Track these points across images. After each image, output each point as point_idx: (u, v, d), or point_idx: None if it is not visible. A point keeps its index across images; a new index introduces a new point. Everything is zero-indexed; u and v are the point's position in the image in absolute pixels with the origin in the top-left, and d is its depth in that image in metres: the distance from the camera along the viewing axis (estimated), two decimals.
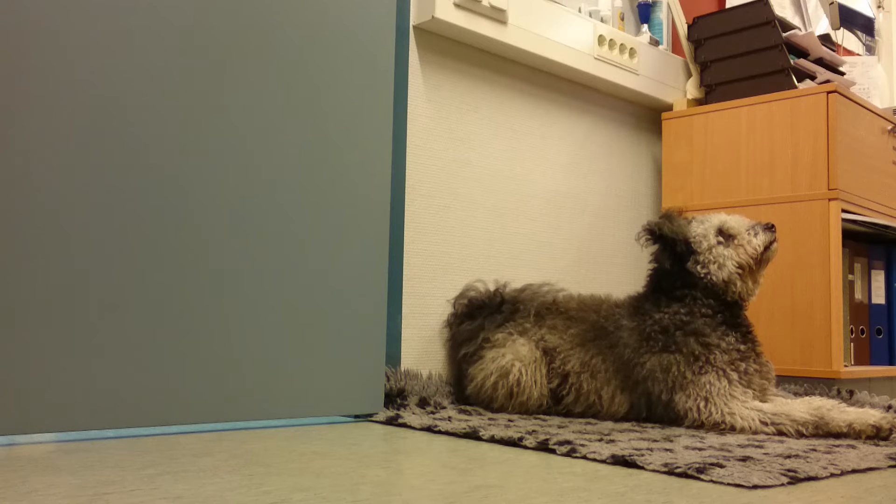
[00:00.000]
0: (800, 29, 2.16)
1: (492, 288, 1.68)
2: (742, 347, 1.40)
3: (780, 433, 1.29)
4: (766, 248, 1.45)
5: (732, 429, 1.31)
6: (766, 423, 1.30)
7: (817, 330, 1.83)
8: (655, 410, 1.41)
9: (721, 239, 1.45)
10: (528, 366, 1.49)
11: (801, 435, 1.28)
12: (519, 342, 1.53)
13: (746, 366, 1.39)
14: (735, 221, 1.47)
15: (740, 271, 1.43)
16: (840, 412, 1.29)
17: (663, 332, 1.41)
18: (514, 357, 1.50)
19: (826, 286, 1.82)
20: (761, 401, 1.39)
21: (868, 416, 1.27)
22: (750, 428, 1.30)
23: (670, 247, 1.47)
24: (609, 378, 1.45)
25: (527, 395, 1.49)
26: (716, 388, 1.34)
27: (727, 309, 1.44)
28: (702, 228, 1.46)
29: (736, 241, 1.44)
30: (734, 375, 1.36)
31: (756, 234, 1.45)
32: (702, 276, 1.44)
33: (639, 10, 2.29)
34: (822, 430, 1.28)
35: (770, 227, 1.46)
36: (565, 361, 1.50)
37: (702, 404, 1.34)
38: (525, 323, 1.56)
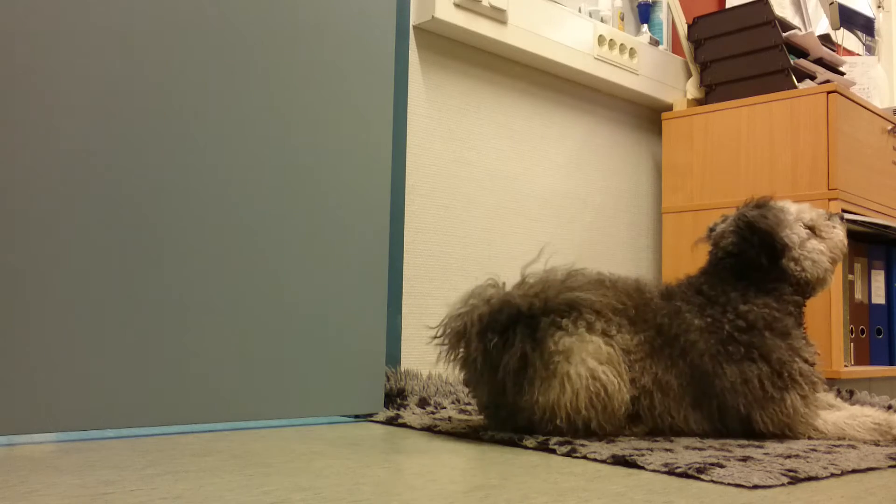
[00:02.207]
0: (800, 29, 2.16)
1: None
2: (812, 349, 1.30)
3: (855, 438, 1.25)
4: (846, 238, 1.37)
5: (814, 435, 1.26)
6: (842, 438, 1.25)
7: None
8: (731, 425, 1.24)
9: (808, 232, 1.34)
10: (616, 366, 1.19)
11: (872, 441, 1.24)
12: (594, 341, 1.18)
13: (816, 372, 1.29)
14: (811, 213, 1.36)
15: (831, 266, 1.34)
16: None
17: (748, 331, 1.25)
18: (598, 362, 1.17)
19: None
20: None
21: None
22: (827, 435, 1.25)
23: (768, 243, 1.32)
24: (682, 394, 1.24)
25: (617, 404, 1.18)
26: (799, 414, 1.24)
27: (801, 307, 1.35)
28: (786, 221, 1.34)
29: (819, 233, 1.34)
30: (816, 390, 1.27)
31: (835, 227, 1.36)
32: (796, 273, 1.32)
33: (639, 10, 2.29)
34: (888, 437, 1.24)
35: (841, 217, 1.38)
36: (638, 375, 1.22)
37: (786, 430, 1.24)
38: (588, 317, 1.21)
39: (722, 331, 1.25)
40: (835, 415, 1.27)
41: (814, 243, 1.33)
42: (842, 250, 1.36)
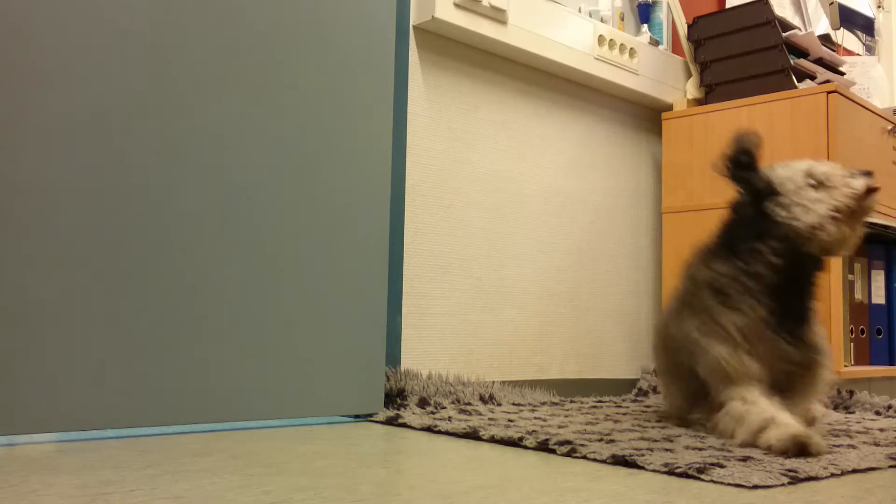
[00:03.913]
0: (800, 29, 2.16)
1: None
2: (773, 321, 1.21)
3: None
4: (868, 192, 1.21)
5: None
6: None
7: None
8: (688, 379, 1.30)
9: (812, 182, 1.23)
10: None
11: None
12: None
13: (766, 346, 1.21)
14: (826, 166, 1.25)
15: (836, 215, 1.20)
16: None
17: (694, 292, 1.28)
18: None
19: (826, 286, 1.82)
20: (790, 397, 1.24)
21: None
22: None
23: (749, 182, 1.25)
24: (671, 375, 1.36)
25: None
26: (728, 364, 1.20)
27: (795, 267, 1.24)
28: (788, 171, 1.26)
29: (829, 184, 1.22)
30: (743, 344, 1.20)
31: (853, 177, 1.22)
32: (782, 220, 1.23)
33: (639, 10, 2.29)
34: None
35: (869, 173, 1.23)
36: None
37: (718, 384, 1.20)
38: None
39: (681, 298, 1.31)
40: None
41: (811, 191, 1.22)
42: (850, 197, 1.21)
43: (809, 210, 1.21)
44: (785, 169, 1.27)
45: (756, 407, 1.17)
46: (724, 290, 1.24)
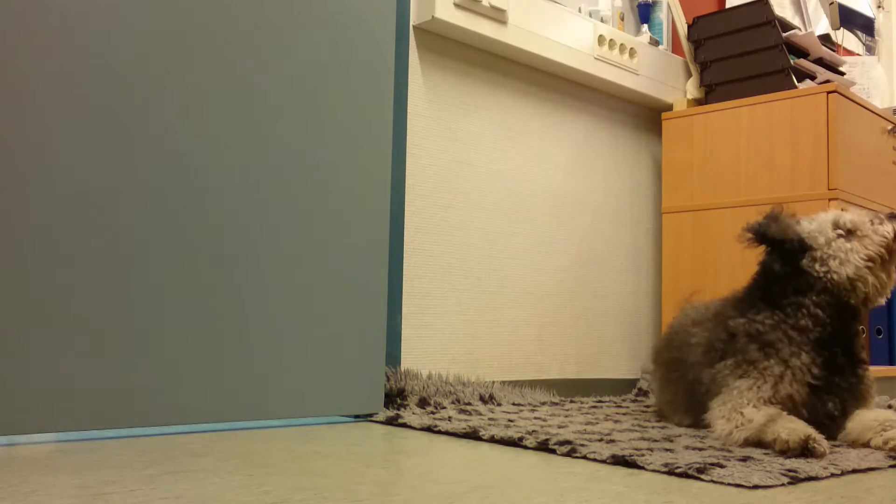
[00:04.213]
0: (800, 29, 2.16)
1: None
2: (816, 371, 1.21)
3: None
4: None
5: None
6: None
7: None
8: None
9: (840, 232, 1.24)
10: None
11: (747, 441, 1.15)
12: None
13: (802, 394, 1.20)
14: (852, 214, 1.27)
15: (870, 265, 1.22)
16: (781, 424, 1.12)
17: (728, 340, 1.26)
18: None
19: None
20: None
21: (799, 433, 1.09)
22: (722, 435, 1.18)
23: (779, 247, 1.27)
24: (682, 408, 1.37)
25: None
26: (745, 396, 1.19)
27: (839, 318, 1.24)
28: (814, 224, 1.27)
29: (859, 233, 1.24)
30: (769, 389, 1.19)
31: (881, 223, 1.25)
32: (820, 275, 1.23)
33: (639, 10, 2.29)
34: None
35: (892, 216, 1.26)
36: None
37: (730, 417, 1.19)
38: None
39: (710, 343, 1.29)
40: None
41: (842, 242, 1.23)
42: (881, 245, 1.23)
43: (845, 261, 1.22)
44: (811, 223, 1.28)
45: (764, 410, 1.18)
46: (762, 338, 1.23)
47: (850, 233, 1.25)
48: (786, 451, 1.07)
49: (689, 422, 1.36)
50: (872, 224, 1.25)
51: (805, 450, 1.06)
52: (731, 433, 1.17)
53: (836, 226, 1.26)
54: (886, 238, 1.23)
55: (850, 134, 1.94)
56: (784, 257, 1.27)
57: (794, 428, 1.09)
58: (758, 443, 1.13)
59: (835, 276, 1.23)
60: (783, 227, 1.27)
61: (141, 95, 1.19)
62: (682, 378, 1.37)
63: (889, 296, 1.27)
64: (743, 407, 1.18)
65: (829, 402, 1.22)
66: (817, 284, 1.24)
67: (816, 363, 1.22)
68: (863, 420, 1.20)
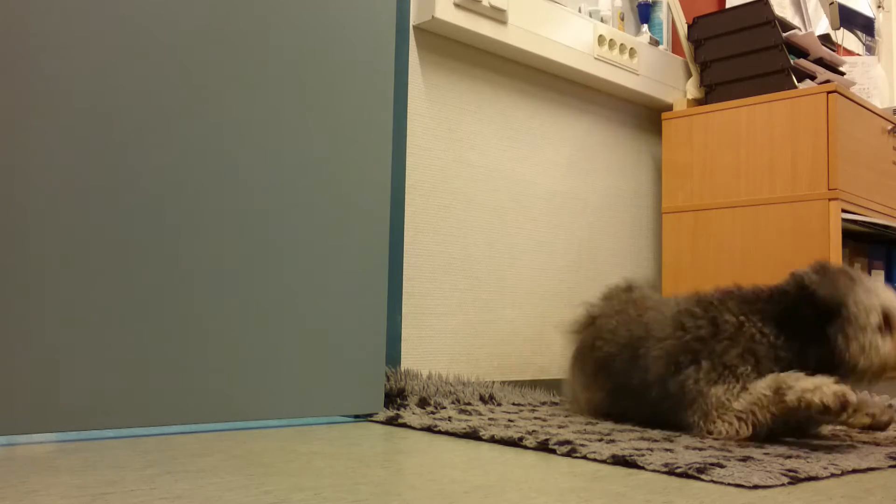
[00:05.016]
0: (800, 29, 2.16)
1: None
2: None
3: (758, 426, 1.16)
4: None
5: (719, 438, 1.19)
6: (741, 422, 1.17)
7: None
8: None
9: (882, 324, 1.22)
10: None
11: (773, 416, 1.15)
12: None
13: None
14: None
15: (879, 366, 1.22)
16: (796, 380, 1.12)
17: (701, 340, 1.25)
18: None
19: None
20: None
21: (822, 390, 1.09)
22: (728, 433, 1.18)
23: (820, 306, 1.23)
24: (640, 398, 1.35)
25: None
26: (723, 396, 1.19)
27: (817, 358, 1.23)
28: (867, 301, 1.22)
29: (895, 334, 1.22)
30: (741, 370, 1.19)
31: None
32: (840, 347, 1.21)
33: (639, 10, 2.29)
34: (781, 405, 1.13)
35: None
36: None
37: (702, 419, 1.20)
38: None
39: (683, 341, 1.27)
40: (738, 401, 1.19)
41: (878, 339, 1.21)
42: None
43: (867, 355, 1.21)
44: (867, 296, 1.23)
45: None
46: (754, 350, 1.23)
47: (889, 327, 1.22)
48: (826, 412, 1.07)
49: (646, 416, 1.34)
50: None
51: (844, 404, 1.07)
52: (754, 412, 1.15)
53: (884, 314, 1.22)
54: None
55: (850, 134, 1.94)
56: (817, 308, 1.23)
57: (817, 384, 1.09)
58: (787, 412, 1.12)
59: (846, 356, 1.21)
60: (836, 292, 1.23)
61: (139, 94, 1.19)
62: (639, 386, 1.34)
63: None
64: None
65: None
66: (831, 348, 1.22)
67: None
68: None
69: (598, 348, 1.43)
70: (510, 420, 1.36)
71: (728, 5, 2.50)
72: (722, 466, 0.94)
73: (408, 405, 1.47)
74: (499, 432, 1.18)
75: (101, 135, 1.15)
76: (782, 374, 1.16)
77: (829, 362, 1.22)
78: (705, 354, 1.24)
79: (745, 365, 1.21)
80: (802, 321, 1.24)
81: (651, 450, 1.06)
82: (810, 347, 1.23)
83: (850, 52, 3.02)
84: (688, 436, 1.23)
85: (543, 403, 1.69)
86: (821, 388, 1.09)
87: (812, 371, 1.17)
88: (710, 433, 1.21)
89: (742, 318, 1.25)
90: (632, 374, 1.34)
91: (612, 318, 1.43)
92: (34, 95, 1.09)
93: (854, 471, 0.99)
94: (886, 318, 1.23)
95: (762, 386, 1.16)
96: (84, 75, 1.14)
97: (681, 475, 0.92)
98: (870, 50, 3.27)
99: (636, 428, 1.32)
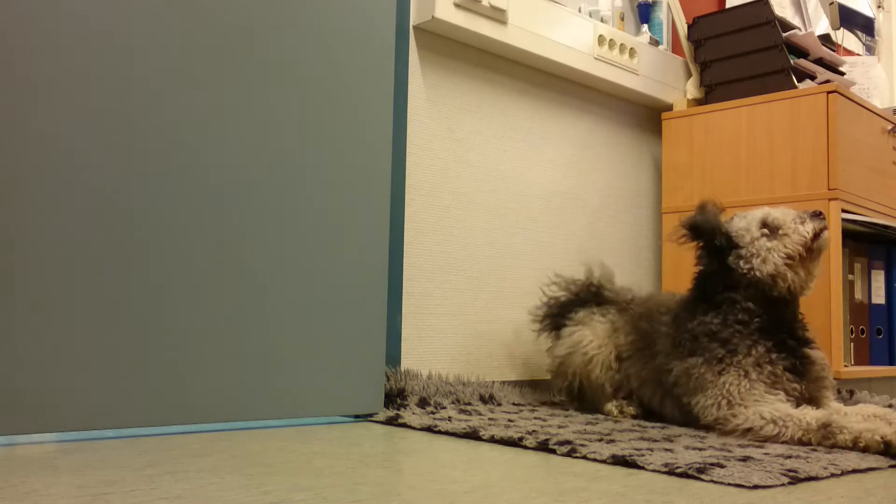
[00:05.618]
0: (800, 29, 2.16)
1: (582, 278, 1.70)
2: (773, 356, 1.30)
3: (782, 437, 1.20)
4: (816, 236, 1.33)
5: (743, 431, 1.23)
6: (769, 422, 1.21)
7: (817, 330, 1.82)
8: (686, 416, 1.37)
9: (766, 231, 1.35)
10: (602, 344, 1.53)
11: (802, 443, 1.18)
12: (598, 320, 1.57)
13: (774, 368, 1.29)
14: (780, 213, 1.36)
15: (790, 262, 1.32)
16: (849, 421, 1.18)
17: (692, 340, 1.36)
18: (591, 333, 1.55)
19: (826, 286, 1.82)
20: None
21: (878, 429, 1.14)
22: (752, 428, 1.22)
23: (710, 243, 1.38)
24: (655, 388, 1.46)
25: (595, 376, 1.52)
26: (735, 388, 1.27)
27: (772, 309, 1.34)
28: (744, 222, 1.37)
29: (781, 232, 1.34)
30: (754, 374, 1.27)
31: (803, 222, 1.34)
32: (745, 271, 1.34)
33: (639, 10, 2.29)
34: (827, 442, 1.17)
35: (818, 215, 1.35)
36: (627, 369, 1.52)
37: (723, 403, 1.27)
38: (609, 311, 1.59)
39: (676, 340, 1.39)
40: (779, 406, 1.24)
41: (764, 241, 1.34)
42: (799, 244, 1.32)
43: (766, 259, 1.33)
44: (742, 220, 1.38)
45: (802, 411, 1.23)
46: (720, 336, 1.33)
47: (773, 231, 1.34)
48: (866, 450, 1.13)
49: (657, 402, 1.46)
50: (795, 223, 1.34)
51: (889, 446, 1.12)
52: (793, 437, 1.20)
53: (762, 224, 1.35)
54: (805, 237, 1.33)
55: (850, 134, 1.94)
56: (714, 254, 1.38)
57: (867, 427, 1.15)
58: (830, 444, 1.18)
59: (757, 273, 1.33)
60: (712, 223, 1.37)
61: (140, 96, 1.19)
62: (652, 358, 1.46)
63: (812, 289, 1.37)
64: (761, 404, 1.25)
65: (793, 383, 1.30)
66: (743, 280, 1.35)
67: (771, 348, 1.31)
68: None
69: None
70: (510, 420, 1.36)
71: (728, 5, 2.50)
72: (722, 466, 0.94)
73: (408, 405, 1.47)
74: (499, 432, 1.18)
75: (101, 136, 1.15)
76: (834, 412, 1.25)
77: (755, 290, 1.34)
78: (698, 350, 1.36)
79: (734, 355, 1.31)
80: (713, 278, 1.38)
81: (651, 450, 1.06)
82: (736, 294, 1.35)
83: (850, 52, 3.02)
84: (687, 436, 1.23)
85: (543, 403, 1.69)
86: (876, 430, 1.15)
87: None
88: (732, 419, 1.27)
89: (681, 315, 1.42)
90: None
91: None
92: (34, 95, 1.09)
93: (854, 471, 0.99)
94: (766, 224, 1.35)
95: (812, 417, 1.20)
96: (84, 76, 1.13)
97: (681, 475, 0.92)
98: (870, 50, 3.27)
99: (636, 428, 1.32)
